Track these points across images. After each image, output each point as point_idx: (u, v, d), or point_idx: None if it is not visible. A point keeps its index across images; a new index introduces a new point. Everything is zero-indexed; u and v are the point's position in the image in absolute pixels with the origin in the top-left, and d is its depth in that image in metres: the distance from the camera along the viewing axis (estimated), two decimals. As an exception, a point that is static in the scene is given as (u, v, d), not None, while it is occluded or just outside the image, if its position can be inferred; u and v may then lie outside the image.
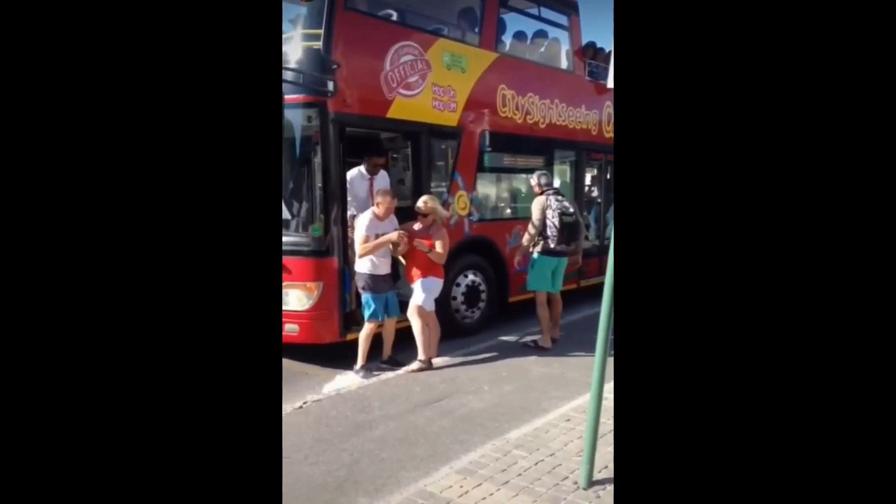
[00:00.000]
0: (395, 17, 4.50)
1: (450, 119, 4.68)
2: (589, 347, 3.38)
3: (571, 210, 4.49)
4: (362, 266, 3.85)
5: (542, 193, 4.50)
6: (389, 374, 3.91)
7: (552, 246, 4.40)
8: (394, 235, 3.79)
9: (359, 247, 3.77)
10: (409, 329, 4.04)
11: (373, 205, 3.94)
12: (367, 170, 4.35)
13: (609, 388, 2.53)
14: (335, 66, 3.83)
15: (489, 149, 5.05)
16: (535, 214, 4.42)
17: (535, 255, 4.49)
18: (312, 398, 3.45)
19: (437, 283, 4.03)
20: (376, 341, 4.03)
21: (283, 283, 3.83)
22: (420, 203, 3.97)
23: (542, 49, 5.92)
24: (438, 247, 3.89)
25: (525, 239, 4.52)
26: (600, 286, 2.36)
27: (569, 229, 4.40)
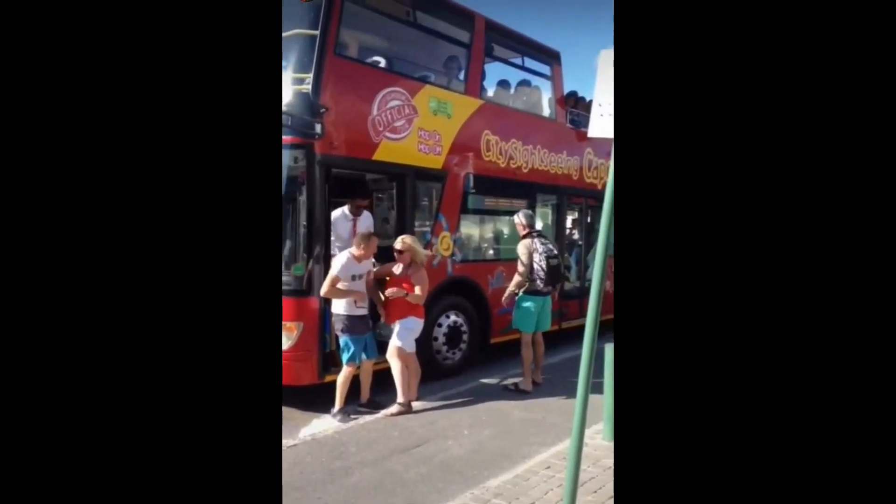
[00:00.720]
0: (382, 63, 4.64)
1: (435, 162, 4.76)
2: (570, 391, 3.34)
3: (555, 252, 4.62)
4: (339, 307, 3.81)
5: (527, 235, 4.58)
6: (367, 418, 3.81)
7: (539, 287, 4.47)
8: (358, 294, 3.77)
9: (326, 285, 3.74)
10: (388, 370, 3.97)
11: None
12: (351, 211, 4.38)
13: (590, 433, 2.49)
14: (323, 110, 3.90)
15: (473, 191, 5.14)
16: (523, 258, 4.48)
17: (522, 294, 4.54)
18: (287, 443, 3.34)
19: (418, 324, 4.00)
20: (356, 383, 3.95)
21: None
22: (398, 242, 3.97)
23: (526, 97, 6.12)
24: (418, 290, 3.87)
25: (514, 283, 4.56)
26: (581, 328, 2.36)
27: (554, 271, 4.51)
